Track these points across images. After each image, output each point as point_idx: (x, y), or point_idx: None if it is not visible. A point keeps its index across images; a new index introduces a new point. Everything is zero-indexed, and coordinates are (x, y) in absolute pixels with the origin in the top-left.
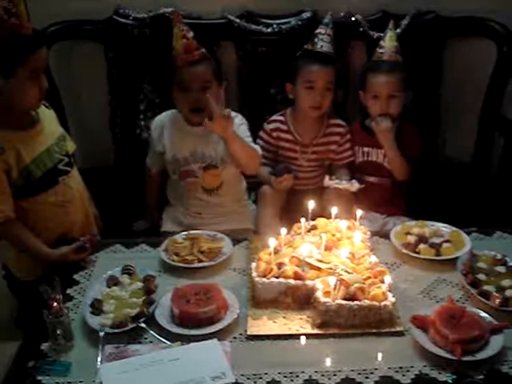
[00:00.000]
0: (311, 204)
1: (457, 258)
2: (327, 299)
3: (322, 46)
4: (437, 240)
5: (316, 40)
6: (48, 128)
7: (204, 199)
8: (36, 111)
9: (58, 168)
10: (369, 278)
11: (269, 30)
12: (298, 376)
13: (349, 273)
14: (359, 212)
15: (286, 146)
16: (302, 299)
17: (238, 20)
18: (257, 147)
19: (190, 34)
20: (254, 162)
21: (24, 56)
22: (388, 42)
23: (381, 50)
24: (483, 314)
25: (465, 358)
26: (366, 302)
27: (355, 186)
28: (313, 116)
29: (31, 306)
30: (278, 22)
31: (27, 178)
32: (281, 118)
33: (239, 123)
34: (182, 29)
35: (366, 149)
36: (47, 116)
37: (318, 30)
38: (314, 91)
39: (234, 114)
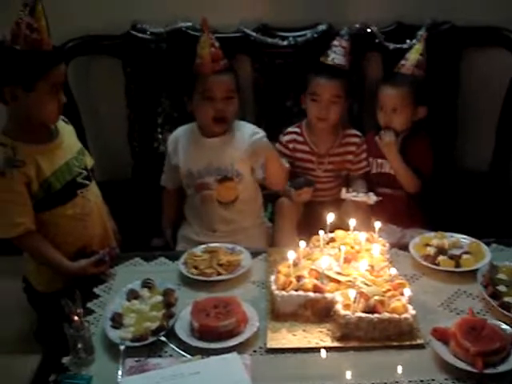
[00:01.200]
0: (331, 216)
1: (477, 269)
2: (347, 312)
3: (333, 59)
4: (456, 251)
5: (329, 52)
6: (67, 142)
7: (220, 213)
8: (55, 125)
9: (76, 181)
10: (388, 290)
11: (285, 42)
12: None
13: (368, 285)
14: (378, 224)
15: (303, 157)
16: (322, 312)
17: (254, 33)
18: (284, 162)
19: (217, 44)
20: (283, 178)
21: (45, 70)
22: (412, 55)
23: (402, 62)
24: (504, 326)
25: (486, 371)
26: (386, 315)
27: (372, 198)
28: (320, 127)
29: (51, 319)
30: (293, 34)
31: (47, 190)
32: (296, 129)
33: (264, 140)
34: (210, 37)
35: (379, 160)
36: (66, 131)
37: (333, 42)
38: (318, 103)
39: (256, 129)
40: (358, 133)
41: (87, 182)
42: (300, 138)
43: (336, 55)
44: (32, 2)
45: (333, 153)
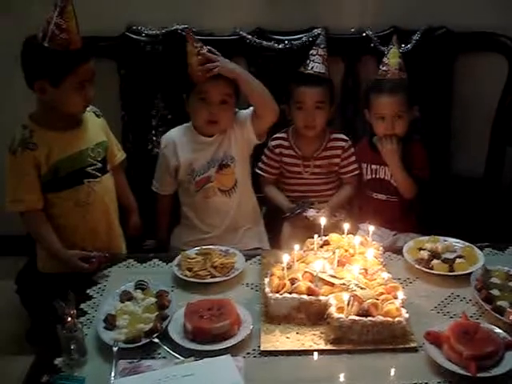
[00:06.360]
0: (323, 220)
1: (470, 273)
2: (340, 315)
3: (312, 68)
4: (450, 255)
5: (308, 62)
6: (88, 133)
7: (223, 201)
8: (81, 117)
9: (85, 170)
10: (382, 293)
11: (280, 46)
12: None
13: (362, 288)
14: (371, 228)
15: (289, 162)
16: (316, 315)
17: (249, 36)
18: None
19: (205, 50)
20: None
21: (71, 68)
22: (391, 59)
23: (384, 68)
24: (497, 330)
25: (479, 375)
26: (380, 318)
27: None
28: (309, 135)
29: (44, 320)
30: (289, 38)
31: (55, 174)
32: (283, 134)
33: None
34: (195, 46)
35: (374, 166)
36: (92, 123)
37: (310, 52)
38: (303, 111)
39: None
40: (345, 137)
41: (98, 174)
42: (286, 143)
43: (315, 63)
44: (62, 3)
45: (318, 156)
